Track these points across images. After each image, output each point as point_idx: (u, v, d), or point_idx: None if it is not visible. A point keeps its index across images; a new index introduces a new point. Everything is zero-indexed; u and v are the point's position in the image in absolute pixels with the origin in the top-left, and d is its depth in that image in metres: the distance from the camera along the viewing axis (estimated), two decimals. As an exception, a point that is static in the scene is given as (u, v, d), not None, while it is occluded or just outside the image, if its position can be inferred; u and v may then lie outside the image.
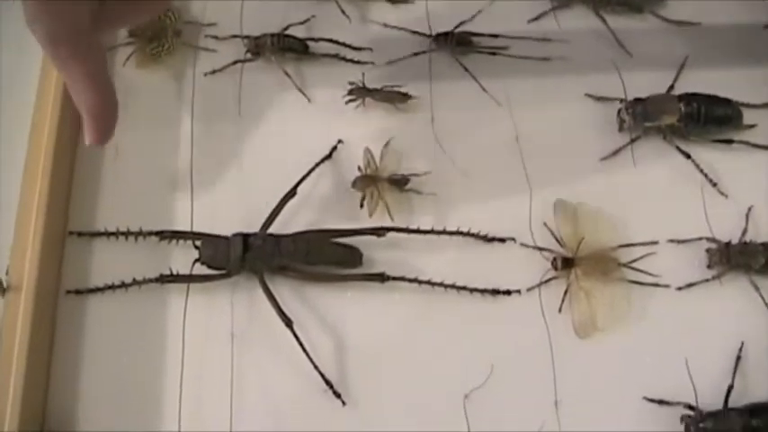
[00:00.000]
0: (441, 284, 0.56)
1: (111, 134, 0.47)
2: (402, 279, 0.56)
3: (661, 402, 0.55)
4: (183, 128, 0.61)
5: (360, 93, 0.61)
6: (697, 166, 0.61)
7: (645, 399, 0.55)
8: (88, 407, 0.53)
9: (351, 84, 0.61)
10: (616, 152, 0.62)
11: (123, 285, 0.55)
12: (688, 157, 0.61)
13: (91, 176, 0.60)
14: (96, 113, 0.46)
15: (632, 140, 0.62)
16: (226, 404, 0.53)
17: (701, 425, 0.53)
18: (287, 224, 0.58)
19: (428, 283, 0.56)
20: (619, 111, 0.62)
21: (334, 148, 0.61)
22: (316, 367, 0.54)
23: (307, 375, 0.54)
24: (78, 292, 0.56)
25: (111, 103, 0.46)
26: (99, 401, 0.54)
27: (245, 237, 0.55)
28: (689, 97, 0.62)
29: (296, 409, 0.54)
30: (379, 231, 0.57)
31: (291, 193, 0.58)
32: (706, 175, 0.61)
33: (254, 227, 0.57)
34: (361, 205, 0.58)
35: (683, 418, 0.54)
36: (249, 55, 0.63)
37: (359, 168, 0.59)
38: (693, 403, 0.54)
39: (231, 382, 0.54)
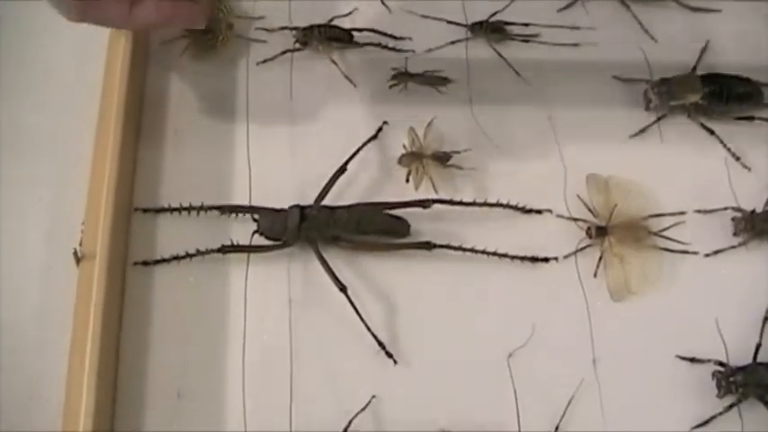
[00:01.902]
0: (483, 252, 0.59)
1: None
2: (447, 247, 0.59)
3: (693, 360, 0.58)
4: (238, 112, 0.65)
5: (402, 77, 0.65)
6: (721, 141, 0.65)
7: (677, 357, 0.58)
8: (156, 368, 0.57)
9: (394, 69, 0.65)
10: (644, 129, 0.65)
11: (188, 256, 0.58)
12: (712, 133, 0.65)
13: (154, 156, 0.63)
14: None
15: (659, 118, 0.66)
16: (286, 365, 0.57)
17: (731, 378, 0.57)
18: (338, 199, 0.61)
19: (472, 250, 0.59)
20: (645, 91, 0.66)
21: (380, 129, 0.64)
22: (369, 329, 0.57)
23: (360, 338, 0.57)
24: (145, 263, 0.59)
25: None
26: (166, 364, 0.57)
27: (301, 208, 0.59)
28: (711, 77, 0.66)
29: (351, 369, 0.57)
30: (425, 203, 0.60)
31: (342, 169, 0.61)
32: (729, 150, 0.65)
33: (308, 199, 0.61)
34: (407, 180, 0.62)
35: (714, 374, 0.57)
36: (298, 45, 0.67)
37: (404, 146, 0.63)
38: (724, 360, 0.58)
39: (290, 345, 0.57)
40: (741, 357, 0.58)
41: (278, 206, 0.60)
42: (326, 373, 0.57)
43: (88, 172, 0.59)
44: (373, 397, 0.56)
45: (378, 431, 0.56)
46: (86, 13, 0.52)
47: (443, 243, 0.60)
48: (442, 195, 0.61)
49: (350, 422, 0.55)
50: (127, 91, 0.61)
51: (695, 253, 0.61)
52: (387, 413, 0.56)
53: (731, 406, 0.56)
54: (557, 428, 0.56)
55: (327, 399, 0.56)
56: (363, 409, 0.56)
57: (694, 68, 0.67)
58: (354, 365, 0.57)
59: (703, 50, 0.68)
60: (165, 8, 0.55)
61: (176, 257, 0.59)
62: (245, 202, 0.61)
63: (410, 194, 0.62)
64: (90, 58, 0.63)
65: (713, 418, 0.56)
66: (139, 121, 0.64)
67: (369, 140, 0.64)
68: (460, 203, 0.61)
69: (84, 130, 0.61)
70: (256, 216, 0.59)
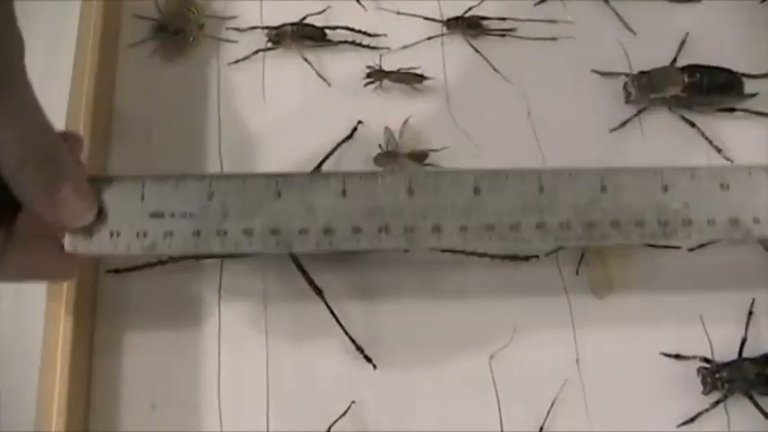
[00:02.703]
0: (462, 252, 0.58)
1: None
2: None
3: (678, 357, 0.57)
4: (210, 113, 0.64)
5: (377, 75, 0.64)
6: (702, 133, 0.64)
7: (662, 354, 0.57)
8: (129, 378, 0.56)
9: (368, 67, 0.64)
10: (624, 123, 0.64)
11: (160, 263, 0.57)
12: (693, 125, 0.64)
13: (125, 164, 0.62)
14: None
15: (639, 112, 0.64)
16: (262, 372, 0.56)
17: (717, 375, 0.56)
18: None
19: (450, 251, 0.58)
20: (625, 84, 0.65)
21: (355, 128, 0.63)
22: (347, 333, 0.56)
23: (338, 342, 0.56)
24: (117, 271, 0.58)
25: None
26: (139, 374, 0.56)
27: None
28: (691, 68, 0.64)
29: (329, 375, 0.56)
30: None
31: (316, 171, 0.60)
32: (711, 142, 0.64)
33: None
34: (383, 180, 0.61)
35: (699, 371, 0.56)
36: (270, 44, 0.66)
37: (380, 146, 0.62)
38: (709, 356, 0.57)
39: (266, 352, 0.56)
40: (726, 353, 0.57)
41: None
42: (304, 379, 0.56)
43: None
44: (353, 402, 0.55)
45: (358, 436, 0.55)
46: None
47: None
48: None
49: (329, 429, 0.54)
50: (95, 96, 0.59)
51: (678, 248, 0.60)
52: (367, 419, 0.55)
53: (717, 402, 0.56)
54: (541, 430, 0.55)
55: (305, 405, 0.55)
56: (343, 416, 0.55)
57: (674, 60, 0.66)
58: (332, 371, 0.56)
59: (683, 42, 0.67)
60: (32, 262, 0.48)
61: (149, 264, 0.57)
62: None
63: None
64: (56, 60, 0.61)
65: (699, 414, 0.55)
66: (109, 127, 0.63)
67: (343, 141, 0.62)
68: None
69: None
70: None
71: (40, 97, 0.42)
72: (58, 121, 0.57)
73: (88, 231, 0.47)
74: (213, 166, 0.62)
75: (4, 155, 0.40)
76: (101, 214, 0.47)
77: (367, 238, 0.48)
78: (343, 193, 0.49)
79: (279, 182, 0.49)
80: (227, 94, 0.65)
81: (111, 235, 0.47)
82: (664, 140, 0.64)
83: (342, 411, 0.55)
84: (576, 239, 0.49)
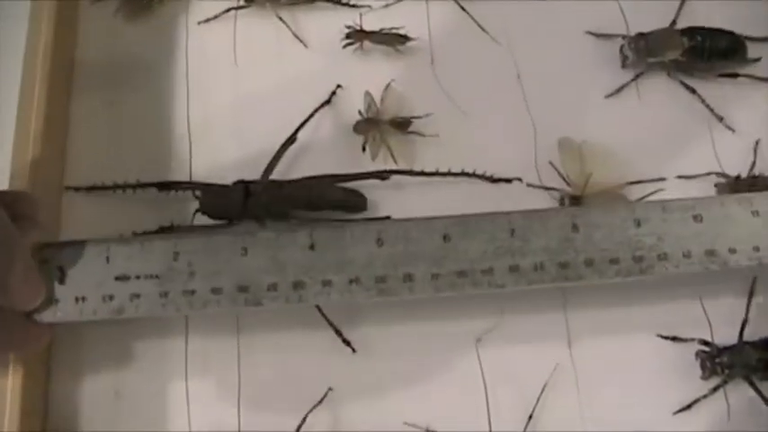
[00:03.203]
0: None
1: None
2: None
3: (675, 339, 0.54)
4: (177, 79, 0.60)
5: (357, 36, 0.60)
6: (703, 101, 0.60)
7: (658, 336, 0.54)
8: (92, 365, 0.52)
9: (348, 27, 0.60)
10: (620, 89, 0.60)
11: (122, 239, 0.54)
12: (693, 92, 0.60)
13: (85, 130, 0.58)
14: None
15: (636, 77, 0.60)
16: (233, 357, 0.53)
17: (716, 360, 0.53)
18: (289, 171, 0.56)
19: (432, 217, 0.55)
20: (621, 47, 0.61)
21: (333, 92, 0.59)
22: (323, 315, 0.53)
23: (314, 325, 0.53)
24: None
25: None
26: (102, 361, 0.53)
27: (246, 184, 0.54)
28: (692, 31, 0.60)
29: (304, 360, 0.53)
30: (382, 174, 0.55)
31: (291, 139, 0.56)
32: (712, 110, 0.60)
33: (255, 174, 0.55)
34: (363, 149, 0.57)
35: (698, 354, 0.53)
36: (243, 2, 0.61)
37: (359, 112, 0.58)
38: (708, 339, 0.54)
39: (237, 335, 0.53)
40: (726, 334, 0.54)
41: (223, 181, 0.55)
42: (277, 364, 0.53)
43: (10, 148, 0.53)
44: (330, 389, 0.52)
45: (336, 429, 0.51)
46: None
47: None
48: (402, 166, 0.56)
49: (304, 418, 0.51)
50: (53, 57, 0.55)
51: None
52: (345, 407, 0.52)
53: (716, 388, 0.53)
54: (530, 417, 0.52)
55: (279, 393, 0.52)
56: (319, 403, 0.51)
57: (673, 22, 0.62)
58: (308, 355, 0.53)
59: (682, 3, 0.63)
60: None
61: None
62: (186, 178, 0.56)
63: (367, 164, 0.57)
64: (10, 21, 0.57)
65: (697, 401, 0.52)
66: (69, 90, 0.59)
67: (321, 106, 0.58)
68: (422, 173, 0.56)
69: (3, 101, 0.55)
70: (198, 193, 0.54)
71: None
72: (13, 85, 0.54)
73: (53, 299, 0.46)
74: (180, 135, 0.58)
75: None
76: (65, 279, 0.47)
77: (338, 290, 0.47)
78: (312, 246, 0.48)
79: (245, 239, 0.48)
80: (195, 56, 0.60)
81: (77, 300, 0.47)
82: (662, 108, 0.60)
83: (318, 399, 0.51)
84: (551, 281, 0.48)
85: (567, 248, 0.48)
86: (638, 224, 0.49)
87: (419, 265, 0.48)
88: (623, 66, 0.61)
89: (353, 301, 0.48)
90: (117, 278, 0.47)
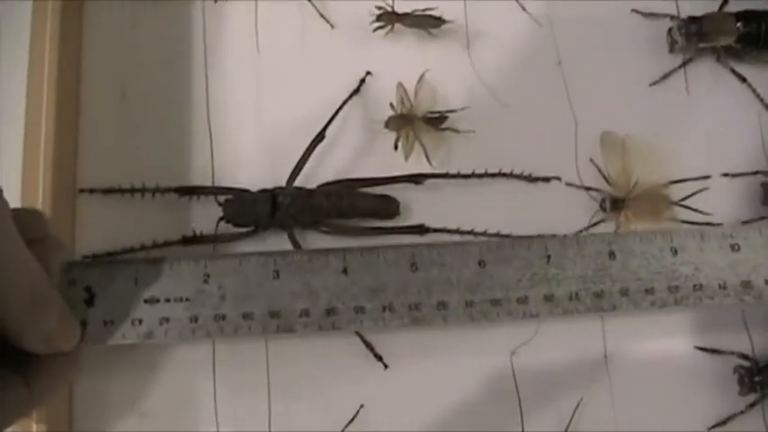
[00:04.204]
0: (484, 234, 0.52)
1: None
2: (442, 230, 0.52)
3: (714, 351, 0.53)
4: (195, 67, 0.55)
5: (389, 18, 0.55)
6: (753, 90, 0.57)
7: (697, 348, 0.53)
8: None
9: (378, 8, 0.55)
10: (666, 75, 0.57)
11: (144, 248, 0.51)
12: (744, 80, 0.57)
13: (98, 126, 0.54)
14: None
15: (684, 63, 0.57)
16: (262, 373, 0.51)
17: (756, 378, 0.51)
18: (316, 170, 0.53)
19: (470, 233, 0.52)
20: (670, 30, 0.56)
21: (363, 80, 0.55)
22: (356, 330, 0.51)
23: (345, 339, 0.51)
24: (96, 257, 0.51)
25: None
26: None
27: (272, 193, 0.51)
28: (748, 15, 0.56)
29: (335, 376, 0.51)
30: (416, 179, 0.53)
31: (320, 137, 0.53)
32: (762, 100, 0.56)
33: (279, 171, 0.53)
34: (396, 147, 0.53)
35: (736, 369, 0.52)
36: (263, -22, 0.56)
37: (391, 106, 0.54)
38: (749, 353, 0.53)
39: (266, 351, 0.51)
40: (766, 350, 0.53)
41: (245, 179, 0.53)
42: (308, 380, 0.51)
43: (20, 149, 0.49)
44: (361, 406, 0.51)
45: (366, 444, 0.51)
46: None
47: (437, 222, 0.53)
48: (436, 164, 0.53)
49: (337, 437, 0.50)
50: (60, 47, 0.51)
51: (720, 225, 0.54)
52: (377, 424, 0.51)
53: (753, 404, 0.52)
54: (565, 433, 0.51)
55: (309, 410, 0.51)
56: (351, 421, 0.50)
57: (724, 2, 0.57)
58: (339, 371, 0.51)
59: (735, -20, 0.58)
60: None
61: (131, 250, 0.51)
62: (208, 179, 0.53)
63: (399, 162, 0.53)
64: (15, 8, 0.53)
65: (733, 416, 0.52)
66: (77, 83, 0.54)
67: (349, 96, 0.54)
68: (457, 176, 0.53)
69: (9, 96, 0.52)
70: (221, 199, 0.51)
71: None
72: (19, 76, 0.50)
73: (82, 321, 0.45)
74: (200, 127, 0.54)
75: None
76: (93, 301, 0.45)
77: (370, 318, 0.46)
78: (344, 270, 0.47)
79: (277, 261, 0.47)
80: (214, 41, 0.56)
81: (105, 324, 0.45)
82: (709, 97, 0.57)
83: (350, 417, 0.50)
84: (585, 310, 0.47)
85: (602, 277, 0.48)
86: (675, 253, 0.48)
87: (453, 292, 0.47)
88: (671, 50, 0.57)
89: (386, 328, 0.47)
90: (146, 301, 0.45)
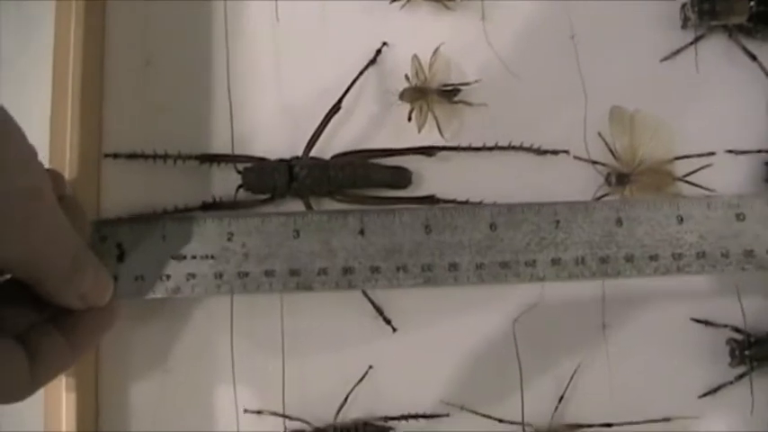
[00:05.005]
0: (493, 205, 0.54)
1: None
2: (453, 202, 0.54)
3: (708, 324, 0.55)
4: (215, 36, 0.56)
5: (406, -11, 0.56)
6: (763, 68, 0.57)
7: (691, 320, 0.55)
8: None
9: (396, -21, 0.56)
10: (677, 51, 0.57)
11: (165, 213, 0.53)
12: (754, 58, 0.57)
13: (122, 94, 0.56)
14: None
15: (696, 39, 0.57)
16: (277, 336, 0.54)
17: (747, 351, 0.54)
18: (330, 140, 0.55)
19: (480, 204, 0.54)
20: (683, 6, 0.57)
21: (379, 51, 0.56)
22: (365, 294, 0.54)
23: (355, 303, 0.54)
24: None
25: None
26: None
27: (289, 164, 0.53)
28: (761, -7, 0.57)
29: (346, 338, 0.54)
30: (428, 151, 0.54)
31: (336, 108, 0.54)
32: (771, 79, 0.58)
33: (296, 140, 0.54)
34: (409, 118, 0.55)
35: (728, 341, 0.55)
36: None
37: (406, 78, 0.55)
38: (741, 326, 0.55)
39: (281, 311, 0.54)
40: (759, 323, 0.55)
41: (264, 145, 0.55)
42: (320, 342, 0.54)
43: (47, 115, 0.51)
44: (370, 367, 0.54)
45: (373, 404, 0.54)
46: None
47: (448, 193, 0.55)
48: (447, 136, 0.55)
49: (346, 397, 0.53)
50: (85, 18, 0.52)
51: (724, 196, 0.56)
52: (385, 385, 0.54)
53: (742, 375, 0.54)
54: (561, 398, 0.54)
55: (321, 367, 0.54)
56: (360, 382, 0.53)
57: (740, -21, 0.58)
58: (349, 334, 0.54)
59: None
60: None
61: (152, 215, 0.53)
62: (227, 145, 0.54)
63: (412, 132, 0.55)
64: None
65: (722, 386, 0.54)
66: (102, 50, 0.56)
67: (365, 67, 0.56)
68: (468, 149, 0.55)
69: (36, 67, 0.54)
70: (240, 167, 0.53)
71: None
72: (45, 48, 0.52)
73: (113, 276, 0.47)
74: (221, 95, 0.55)
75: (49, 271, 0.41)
76: (124, 257, 0.48)
77: (385, 277, 0.48)
78: (362, 231, 0.48)
79: (297, 221, 0.48)
80: (235, 9, 0.56)
81: (136, 279, 0.47)
82: (718, 73, 0.57)
83: (359, 376, 0.53)
84: (591, 275, 0.49)
85: (608, 243, 0.49)
86: (681, 221, 0.49)
87: (464, 254, 0.48)
88: (683, 27, 0.57)
89: (400, 288, 0.48)
90: (173, 257, 0.48)
